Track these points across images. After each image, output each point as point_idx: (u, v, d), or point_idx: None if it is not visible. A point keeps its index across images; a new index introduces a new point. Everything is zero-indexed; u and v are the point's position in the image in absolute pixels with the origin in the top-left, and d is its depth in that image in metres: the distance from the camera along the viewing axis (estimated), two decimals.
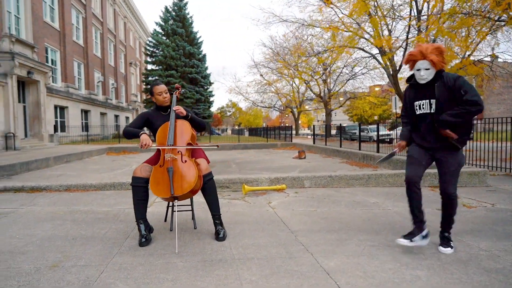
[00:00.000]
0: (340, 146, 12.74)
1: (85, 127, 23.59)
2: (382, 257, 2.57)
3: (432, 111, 2.60)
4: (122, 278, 2.18)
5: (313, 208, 4.15)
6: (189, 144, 3.04)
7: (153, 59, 26.88)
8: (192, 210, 3.31)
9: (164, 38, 26.68)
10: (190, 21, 27.47)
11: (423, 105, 2.65)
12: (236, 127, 58.07)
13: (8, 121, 14.50)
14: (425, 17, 12.21)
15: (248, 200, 4.65)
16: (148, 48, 27.68)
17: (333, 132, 24.85)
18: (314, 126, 19.40)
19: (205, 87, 28.12)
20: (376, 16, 13.83)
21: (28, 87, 17.13)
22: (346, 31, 15.14)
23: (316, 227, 3.37)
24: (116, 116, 31.68)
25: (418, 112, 2.69)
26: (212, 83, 30.15)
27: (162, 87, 3.16)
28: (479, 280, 2.18)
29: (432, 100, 2.59)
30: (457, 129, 2.55)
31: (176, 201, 2.82)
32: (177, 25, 26.61)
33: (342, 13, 15.08)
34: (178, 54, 25.42)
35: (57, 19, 20.87)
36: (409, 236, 2.63)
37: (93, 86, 25.84)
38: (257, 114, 60.10)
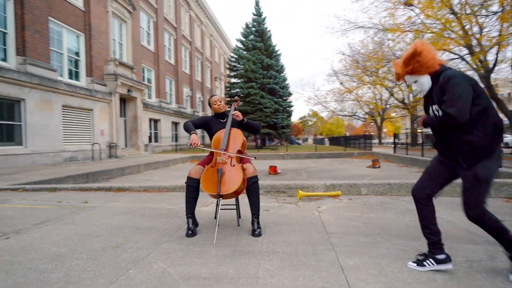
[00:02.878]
0: (422, 155, 12.01)
1: (175, 138, 26.07)
2: (407, 260, 2.57)
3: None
4: (162, 259, 2.62)
5: (359, 214, 4.18)
6: (239, 151, 3.44)
7: (235, 73, 28.54)
8: (237, 209, 3.66)
9: (245, 52, 28.17)
10: (268, 34, 28.57)
11: (435, 110, 2.40)
12: (317, 136, 57.56)
13: (112, 133, 16.89)
14: None
15: (299, 205, 4.84)
16: (230, 63, 29.48)
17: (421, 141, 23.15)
18: (395, 134, 18.47)
19: (284, 98, 28.77)
20: (463, 14, 12.75)
21: (128, 103, 19.70)
22: (428, 33, 14.25)
23: (354, 230, 3.44)
24: None
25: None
26: (291, 93, 30.68)
27: (216, 97, 3.72)
28: None
29: (434, 106, 2.36)
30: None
31: (221, 198, 3.19)
32: (256, 40, 27.92)
33: (424, 14, 14.24)
34: (257, 67, 26.58)
35: (152, 42, 23.63)
36: (420, 257, 2.48)
37: (182, 100, 28.43)
38: (338, 123, 58.88)
